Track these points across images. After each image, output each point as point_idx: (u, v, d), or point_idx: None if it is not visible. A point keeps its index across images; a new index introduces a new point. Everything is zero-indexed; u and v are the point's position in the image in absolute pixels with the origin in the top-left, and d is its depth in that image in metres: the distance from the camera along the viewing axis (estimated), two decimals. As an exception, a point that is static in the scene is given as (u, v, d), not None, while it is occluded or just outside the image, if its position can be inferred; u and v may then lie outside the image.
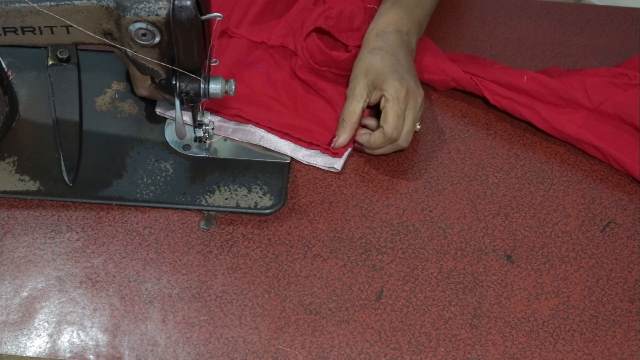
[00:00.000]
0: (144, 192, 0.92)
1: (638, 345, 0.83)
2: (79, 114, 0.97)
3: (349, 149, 0.96)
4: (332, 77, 1.01)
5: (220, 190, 0.93)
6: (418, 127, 0.94)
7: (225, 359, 0.82)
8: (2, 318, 0.83)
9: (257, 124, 0.97)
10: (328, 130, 0.97)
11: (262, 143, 0.96)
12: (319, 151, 0.96)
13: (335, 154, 0.95)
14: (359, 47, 0.99)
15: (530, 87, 0.98)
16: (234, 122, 0.98)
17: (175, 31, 0.79)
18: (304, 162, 0.96)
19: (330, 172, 0.95)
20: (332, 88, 1.00)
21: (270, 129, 0.96)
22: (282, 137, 0.96)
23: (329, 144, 0.96)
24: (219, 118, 0.98)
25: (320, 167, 0.96)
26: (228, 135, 0.97)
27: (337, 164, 0.95)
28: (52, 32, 0.80)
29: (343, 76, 1.01)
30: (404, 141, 0.93)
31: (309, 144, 0.96)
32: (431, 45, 1.04)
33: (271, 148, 0.96)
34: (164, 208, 0.92)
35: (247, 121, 0.97)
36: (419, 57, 1.02)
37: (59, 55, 1.00)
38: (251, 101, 0.98)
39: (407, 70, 0.95)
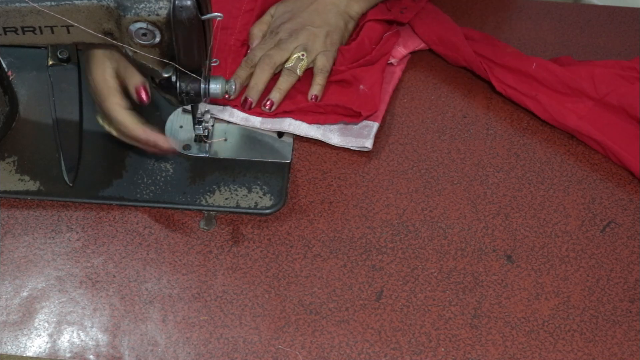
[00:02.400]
0: (144, 192, 0.92)
1: (638, 345, 0.83)
2: (79, 114, 0.97)
3: (377, 126, 0.98)
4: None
5: (220, 190, 0.93)
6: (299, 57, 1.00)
7: (225, 359, 0.82)
8: (2, 318, 0.83)
9: (285, 113, 0.99)
10: (350, 107, 0.98)
11: (291, 130, 0.98)
12: (349, 134, 0.97)
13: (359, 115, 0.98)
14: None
15: (539, 73, 0.99)
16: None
17: (175, 31, 0.79)
18: (337, 145, 0.97)
19: (330, 172, 0.95)
20: (347, 71, 1.01)
21: (298, 116, 0.98)
22: (310, 123, 0.98)
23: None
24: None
25: (352, 148, 0.97)
26: (257, 126, 0.98)
27: (368, 142, 0.97)
28: (53, 32, 0.80)
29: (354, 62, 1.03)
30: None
31: (338, 116, 0.98)
32: (448, 20, 1.06)
33: (300, 134, 0.97)
34: (164, 208, 0.92)
35: (274, 115, 0.99)
36: (437, 29, 1.04)
37: (59, 55, 1.00)
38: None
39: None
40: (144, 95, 0.89)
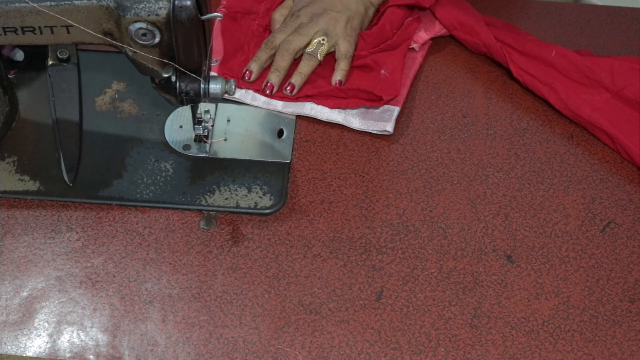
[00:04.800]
0: (144, 192, 0.92)
1: (638, 345, 0.83)
2: (79, 114, 0.97)
3: (397, 110, 0.99)
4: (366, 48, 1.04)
5: (220, 190, 0.93)
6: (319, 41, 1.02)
7: (225, 359, 0.82)
8: (2, 318, 0.83)
9: (306, 97, 1.00)
10: (372, 92, 0.99)
11: (313, 114, 0.99)
12: (370, 118, 0.99)
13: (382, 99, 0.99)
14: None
15: (558, 61, 1.00)
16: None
17: (175, 31, 0.79)
18: (358, 129, 0.99)
19: (330, 172, 0.95)
20: (368, 56, 1.03)
21: (320, 100, 1.00)
22: (331, 107, 0.99)
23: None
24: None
25: (373, 132, 0.98)
26: (279, 110, 1.00)
27: (389, 126, 0.98)
28: (52, 32, 0.80)
29: (375, 47, 1.04)
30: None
31: (360, 100, 0.99)
32: (468, 6, 1.07)
33: (322, 118, 0.99)
34: (164, 208, 0.92)
35: (296, 99, 1.00)
36: (457, 14, 1.06)
37: (59, 55, 1.00)
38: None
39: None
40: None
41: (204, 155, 0.96)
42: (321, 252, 0.89)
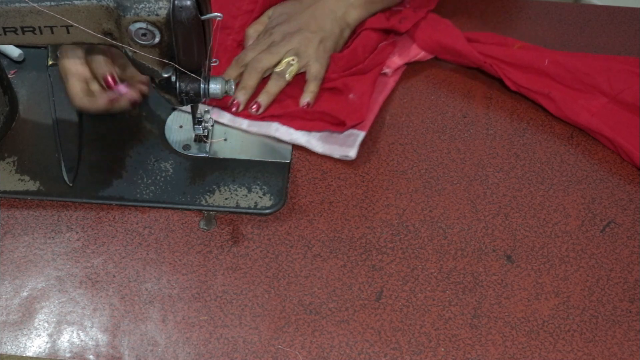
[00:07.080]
0: (144, 192, 0.92)
1: (638, 345, 0.83)
2: (79, 114, 0.97)
3: (362, 135, 0.97)
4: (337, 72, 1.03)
5: (220, 190, 0.93)
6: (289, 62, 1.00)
7: (225, 359, 0.82)
8: (2, 318, 0.83)
9: (272, 117, 0.98)
10: (337, 116, 0.97)
11: (277, 135, 0.97)
12: (333, 142, 0.96)
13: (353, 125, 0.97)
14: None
15: (551, 70, 1.00)
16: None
17: (175, 31, 0.79)
18: (319, 153, 0.97)
19: (330, 172, 0.95)
20: (339, 79, 1.01)
21: (285, 121, 0.98)
22: (297, 129, 0.97)
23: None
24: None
25: (336, 156, 0.96)
26: (244, 128, 0.98)
27: (352, 152, 0.96)
28: (52, 32, 0.81)
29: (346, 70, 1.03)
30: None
31: (324, 123, 0.97)
32: (448, 26, 1.06)
33: (286, 140, 0.97)
34: (164, 208, 0.92)
35: (261, 118, 0.98)
36: (438, 38, 1.04)
37: (59, 55, 1.00)
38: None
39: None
40: (111, 82, 0.92)
41: (204, 155, 0.96)
42: (321, 252, 0.89)
